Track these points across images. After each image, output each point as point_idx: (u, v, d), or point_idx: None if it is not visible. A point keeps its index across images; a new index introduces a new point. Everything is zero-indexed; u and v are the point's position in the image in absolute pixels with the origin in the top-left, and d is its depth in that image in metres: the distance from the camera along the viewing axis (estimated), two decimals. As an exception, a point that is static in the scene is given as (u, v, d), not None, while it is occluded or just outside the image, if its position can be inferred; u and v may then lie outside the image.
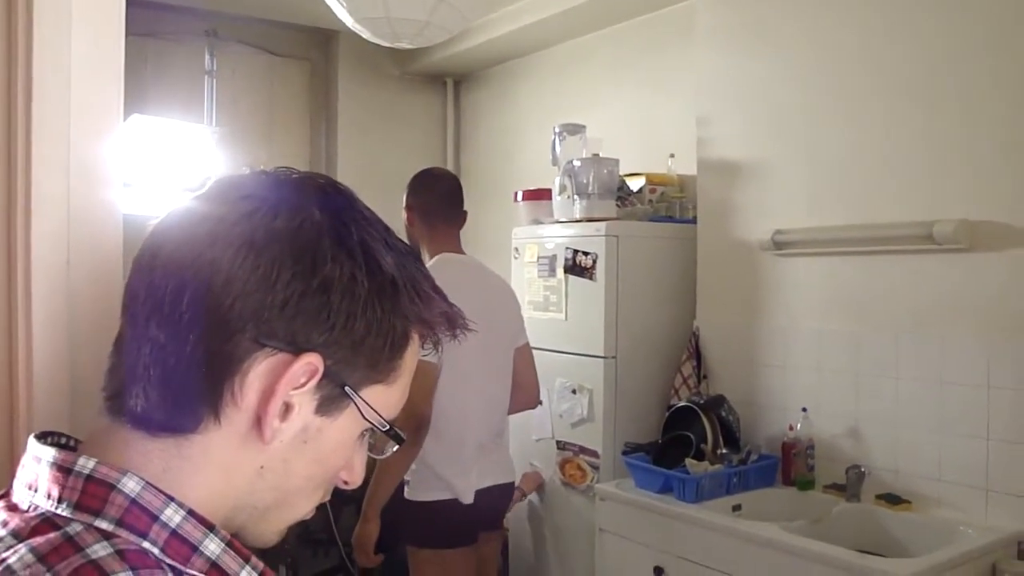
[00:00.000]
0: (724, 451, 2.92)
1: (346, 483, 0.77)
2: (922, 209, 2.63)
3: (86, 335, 1.05)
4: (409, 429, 2.34)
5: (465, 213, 2.75)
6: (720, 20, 3.33)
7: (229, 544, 0.66)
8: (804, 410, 2.92)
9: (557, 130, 3.61)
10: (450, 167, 5.14)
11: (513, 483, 2.68)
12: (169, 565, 0.62)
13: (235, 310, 0.64)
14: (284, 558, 3.98)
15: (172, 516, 0.64)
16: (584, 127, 3.61)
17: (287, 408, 0.67)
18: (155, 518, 0.63)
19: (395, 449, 0.77)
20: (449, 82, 5.24)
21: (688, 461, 2.83)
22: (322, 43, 5.02)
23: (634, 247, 3.30)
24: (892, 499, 2.68)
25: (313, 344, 0.66)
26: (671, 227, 3.47)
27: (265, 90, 4.83)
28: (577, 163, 3.37)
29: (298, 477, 0.71)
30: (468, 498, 2.44)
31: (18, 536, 0.60)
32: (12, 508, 0.65)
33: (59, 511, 0.62)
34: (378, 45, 2.88)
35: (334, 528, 4.25)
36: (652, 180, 3.60)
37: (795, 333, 3.04)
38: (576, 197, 3.37)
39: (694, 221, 3.43)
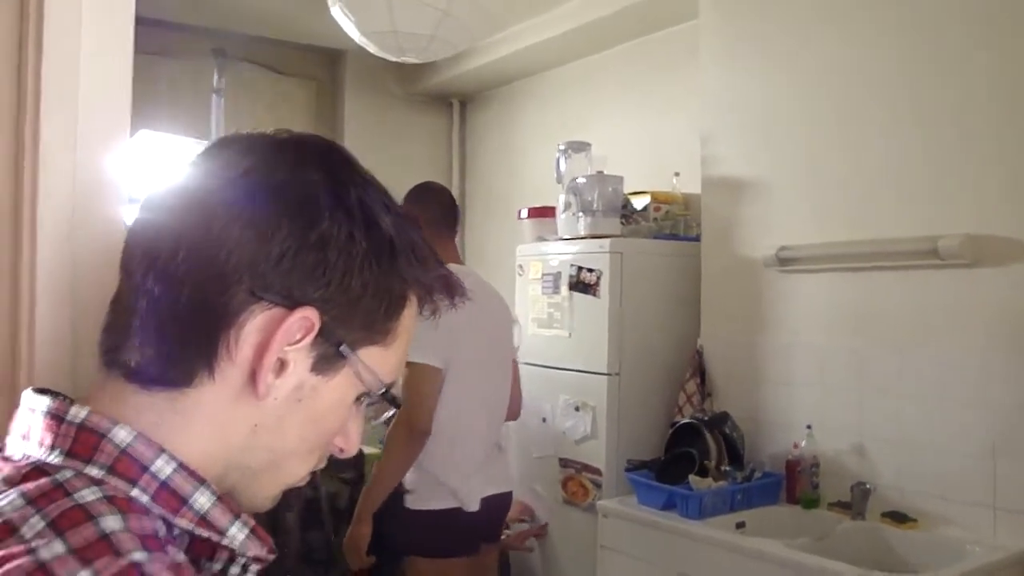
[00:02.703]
0: (728, 468, 2.91)
1: (341, 451, 0.76)
2: (926, 224, 2.63)
3: (89, 302, 1.04)
4: (409, 437, 2.35)
5: (457, 228, 2.81)
6: (724, 39, 3.35)
7: (219, 499, 0.65)
8: (808, 427, 2.91)
9: (562, 147, 3.63)
10: (455, 187, 5.17)
11: (511, 492, 2.68)
12: (158, 515, 0.62)
13: (231, 263, 0.64)
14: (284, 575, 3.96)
15: (162, 468, 0.63)
16: (589, 145, 3.63)
17: (282, 365, 0.66)
18: (145, 469, 0.63)
19: (391, 414, 0.76)
20: (455, 103, 5.27)
21: (692, 478, 2.82)
22: (329, 63, 5.05)
23: (638, 264, 3.31)
24: (898, 517, 2.66)
25: (309, 299, 0.66)
26: (675, 245, 3.47)
27: (271, 109, 4.86)
28: (582, 180, 3.38)
29: (292, 438, 0.70)
30: (473, 506, 2.44)
31: (9, 483, 0.60)
32: (5, 459, 0.65)
33: (50, 459, 0.62)
34: (384, 65, 2.91)
35: (332, 550, 4.24)
36: (657, 198, 3.60)
37: (799, 350, 3.03)
38: (580, 214, 3.38)
39: (698, 239, 3.44)
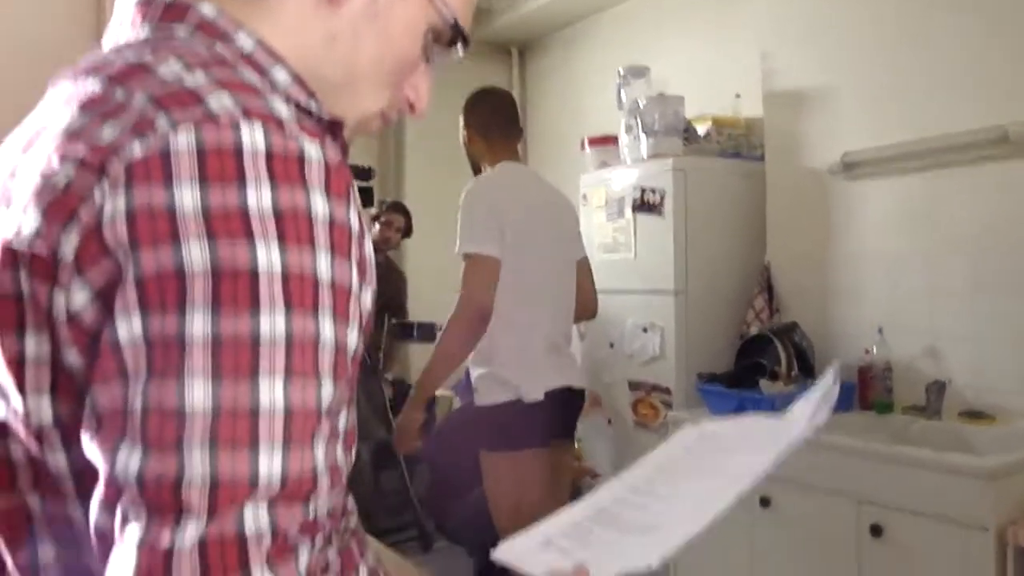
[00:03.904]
0: (798, 374, 2.89)
1: (412, 108, 0.80)
2: (995, 113, 2.57)
3: None
4: (470, 323, 2.40)
5: (521, 131, 2.82)
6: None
7: (296, 78, 0.68)
8: (880, 331, 2.87)
9: (621, 73, 3.63)
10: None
11: (584, 391, 2.69)
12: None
13: None
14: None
15: (245, 41, 0.67)
16: (648, 69, 3.62)
17: None
18: (229, 37, 0.66)
19: (462, 52, 0.79)
20: (514, 51, 5.31)
21: (762, 383, 2.82)
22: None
23: (702, 182, 3.30)
24: (975, 415, 2.62)
25: None
26: (738, 163, 3.45)
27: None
28: (642, 101, 3.38)
29: (366, 57, 0.73)
30: (535, 395, 2.46)
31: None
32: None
33: (140, 33, 0.67)
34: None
35: (409, 487, 4.30)
36: (718, 122, 3.59)
37: (868, 257, 2.99)
38: (643, 136, 3.37)
39: (761, 159, 3.41)
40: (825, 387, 0.86)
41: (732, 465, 0.86)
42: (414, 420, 2.50)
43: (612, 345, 3.52)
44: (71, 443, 0.57)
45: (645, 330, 3.36)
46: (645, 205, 3.34)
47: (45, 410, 0.58)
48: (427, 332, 3.25)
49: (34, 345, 0.57)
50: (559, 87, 5.06)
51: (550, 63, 5.14)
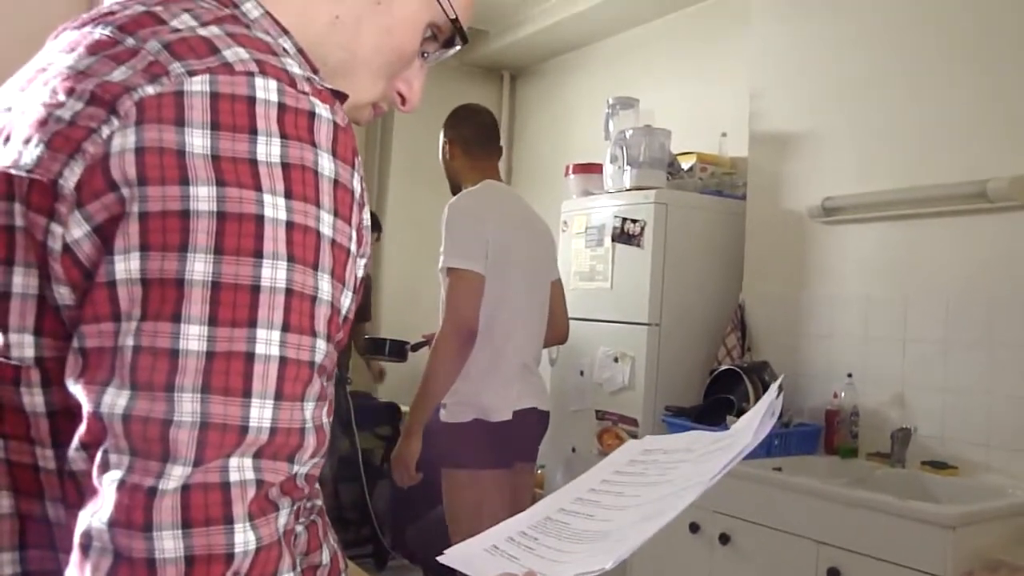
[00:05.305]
0: (766, 414, 2.89)
1: (403, 103, 0.79)
2: (974, 168, 2.60)
3: None
4: (458, 341, 2.37)
5: (501, 149, 2.82)
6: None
7: (300, 51, 0.68)
8: (849, 376, 2.88)
9: (611, 102, 3.65)
10: (502, 158, 5.20)
11: (548, 413, 2.67)
12: None
13: None
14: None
15: (251, 9, 0.67)
16: (637, 100, 3.65)
17: None
18: (236, 5, 0.66)
19: (457, 49, 0.79)
20: (506, 76, 5.34)
21: (729, 419, 2.81)
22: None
23: (683, 216, 3.31)
24: (938, 465, 2.63)
25: None
26: (720, 201, 3.47)
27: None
28: (629, 132, 3.40)
29: (367, 44, 0.73)
30: (504, 415, 2.44)
31: None
32: None
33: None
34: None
35: (369, 502, 4.25)
36: (703, 159, 3.61)
37: (842, 302, 3.01)
38: (627, 167, 3.39)
39: (743, 198, 3.44)
40: (769, 400, 0.87)
41: (678, 475, 0.86)
42: (412, 452, 2.43)
43: (582, 373, 3.51)
44: (51, 384, 0.56)
45: (616, 360, 3.36)
46: (625, 235, 3.35)
47: (27, 348, 0.57)
48: (398, 349, 3.22)
49: (21, 279, 0.56)
50: (548, 113, 5.09)
51: (541, 89, 5.18)
